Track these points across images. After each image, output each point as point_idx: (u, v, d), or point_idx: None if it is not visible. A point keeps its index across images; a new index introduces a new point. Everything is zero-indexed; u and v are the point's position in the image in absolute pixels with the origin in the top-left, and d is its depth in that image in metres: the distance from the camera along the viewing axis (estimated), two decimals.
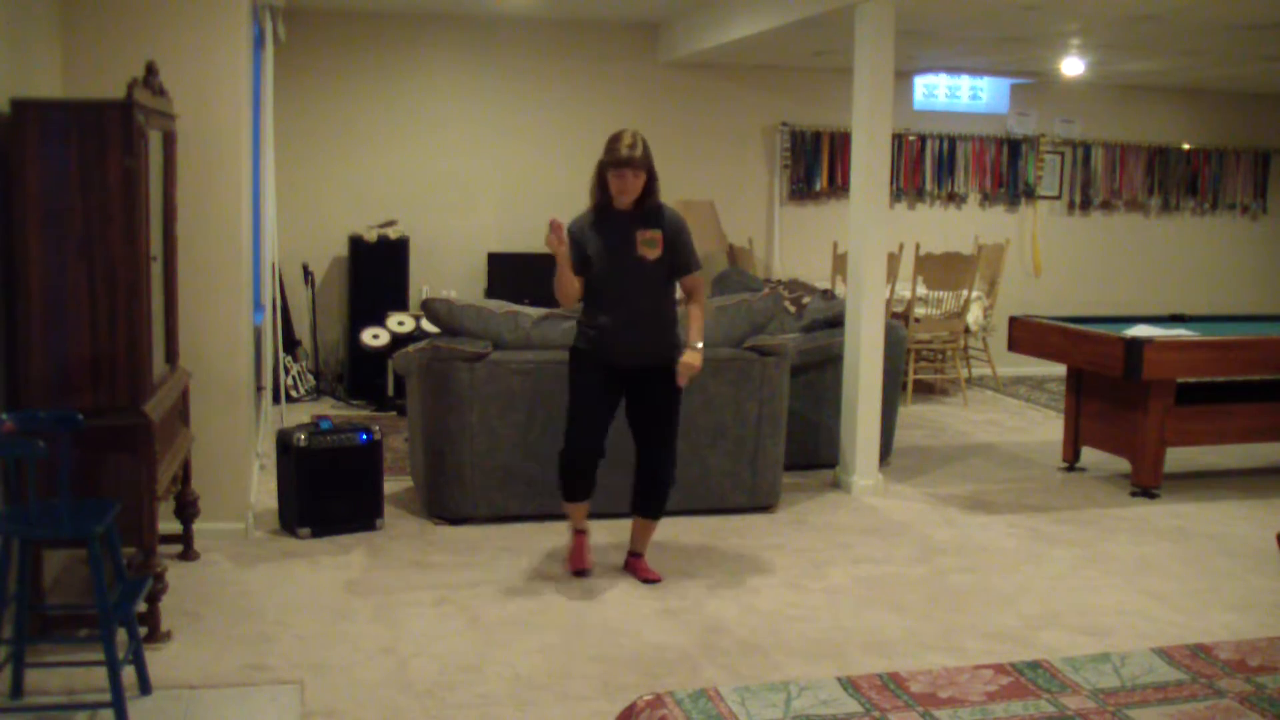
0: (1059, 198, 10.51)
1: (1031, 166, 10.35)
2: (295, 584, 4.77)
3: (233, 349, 5.18)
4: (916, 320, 8.63)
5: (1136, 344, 6.06)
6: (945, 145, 10.16)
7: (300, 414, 7.60)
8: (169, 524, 4.74)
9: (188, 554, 4.95)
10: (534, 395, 5.52)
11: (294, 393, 8.41)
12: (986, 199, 10.38)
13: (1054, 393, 9.29)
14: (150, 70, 4.35)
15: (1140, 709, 2.70)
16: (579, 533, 4.94)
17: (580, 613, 4.54)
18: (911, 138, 10.03)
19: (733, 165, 9.73)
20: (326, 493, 5.38)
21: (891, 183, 9.40)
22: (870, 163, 6.23)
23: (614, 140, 4.62)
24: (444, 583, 4.81)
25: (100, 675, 3.57)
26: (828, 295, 7.10)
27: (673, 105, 9.47)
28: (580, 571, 4.89)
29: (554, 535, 5.42)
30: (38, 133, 3.90)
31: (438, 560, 5.09)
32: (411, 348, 5.76)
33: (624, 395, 4.80)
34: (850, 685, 2.80)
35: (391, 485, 6.01)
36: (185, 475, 4.86)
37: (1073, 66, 9.06)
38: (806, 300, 7.04)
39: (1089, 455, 6.98)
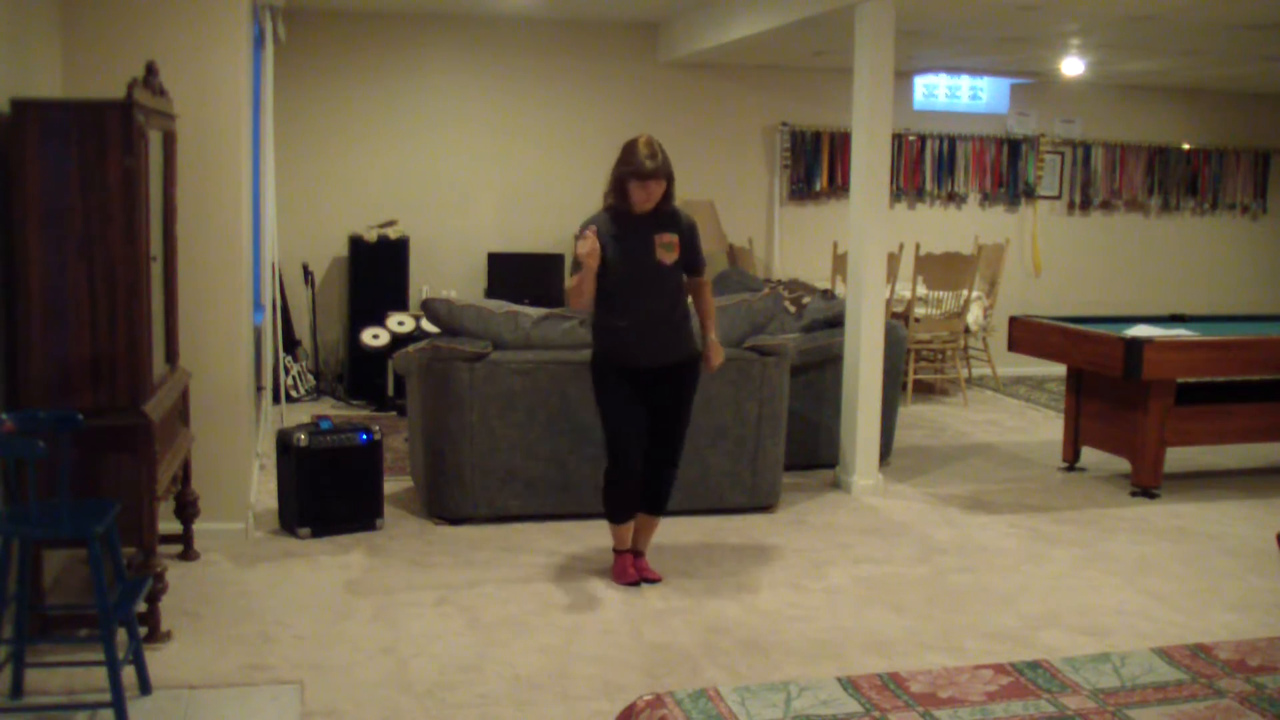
0: (1059, 198, 10.51)
1: (1031, 166, 10.36)
2: (295, 584, 4.77)
3: (233, 349, 5.18)
4: (916, 320, 8.63)
5: (1136, 344, 6.06)
6: (945, 145, 10.17)
7: (300, 414, 7.60)
8: (169, 524, 4.74)
9: (188, 554, 4.95)
10: (534, 395, 5.52)
11: (294, 393, 8.41)
12: (986, 199, 10.38)
13: (1054, 393, 9.29)
14: (150, 70, 4.35)
15: (1140, 709, 2.70)
16: (625, 552, 4.92)
17: (580, 613, 4.54)
18: (911, 138, 10.03)
19: (733, 165, 9.73)
20: (326, 493, 5.38)
21: (891, 183, 9.39)
22: (870, 163, 6.23)
23: (631, 151, 4.58)
24: (444, 583, 4.81)
25: (100, 675, 3.57)
26: (828, 295, 7.10)
27: (673, 105, 9.47)
28: (633, 582, 4.84)
29: (554, 535, 5.43)
30: (38, 133, 3.90)
31: (438, 560, 5.09)
32: (411, 348, 5.76)
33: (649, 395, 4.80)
34: (850, 685, 2.80)
35: (391, 485, 6.01)
36: (185, 475, 4.86)
37: (1073, 66, 9.06)
38: (806, 300, 7.04)
39: (1089, 455, 6.98)
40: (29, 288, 3.93)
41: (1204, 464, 7.12)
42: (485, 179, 9.26)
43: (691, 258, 4.74)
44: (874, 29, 6.17)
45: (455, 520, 5.58)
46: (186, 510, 4.93)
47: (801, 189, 9.85)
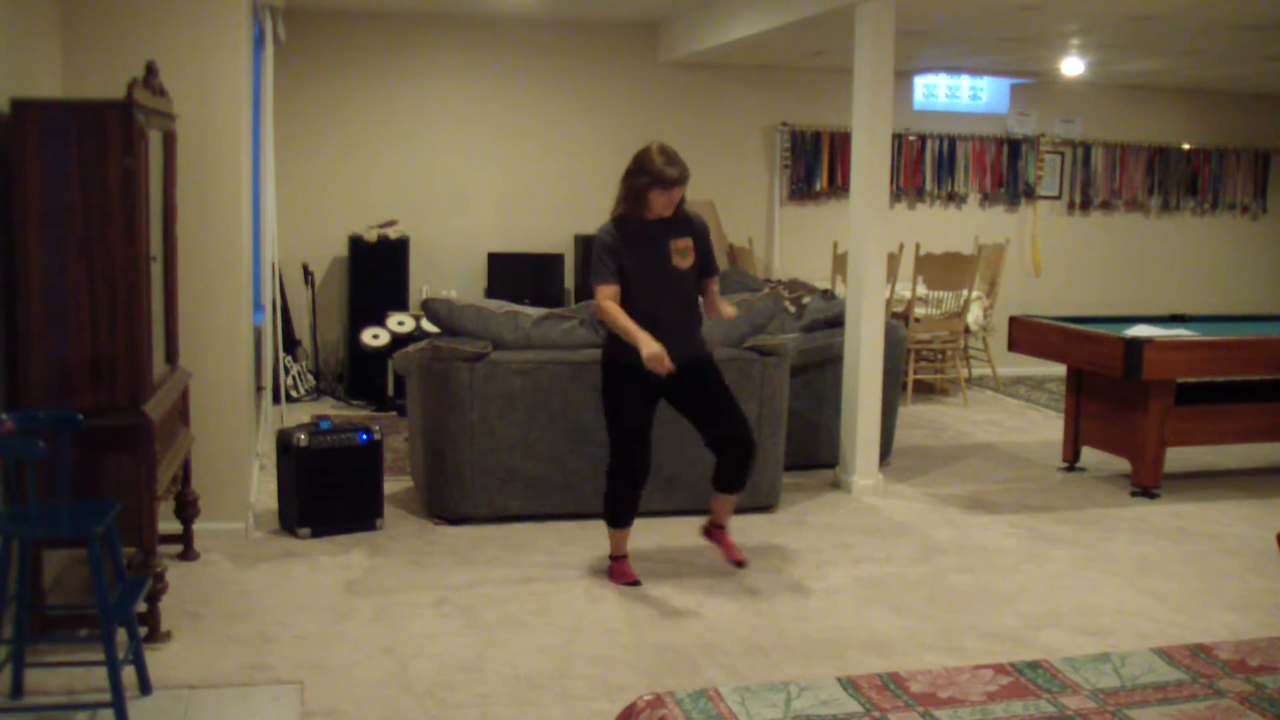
0: (1059, 198, 10.51)
1: (1031, 166, 10.35)
2: (295, 584, 4.77)
3: (233, 349, 5.18)
4: (916, 320, 8.63)
5: (1136, 344, 6.06)
6: (945, 145, 10.16)
7: (300, 414, 7.60)
8: (169, 524, 4.74)
9: (188, 554, 4.95)
10: (534, 395, 5.52)
11: (294, 393, 8.41)
12: (986, 199, 10.38)
13: (1054, 393, 9.29)
14: (150, 70, 4.35)
15: (1140, 709, 2.70)
16: (623, 558, 4.92)
17: (580, 613, 4.54)
18: (911, 138, 10.03)
19: (733, 165, 9.73)
20: (326, 493, 5.38)
21: (891, 183, 9.39)
22: (870, 163, 6.23)
23: (647, 159, 4.57)
24: (444, 583, 4.81)
25: (100, 675, 3.57)
26: (828, 295, 7.10)
27: (673, 105, 9.47)
28: (635, 582, 4.84)
29: (554, 535, 5.43)
30: (38, 133, 3.90)
31: (438, 560, 5.09)
32: (411, 348, 5.76)
33: (660, 399, 4.78)
34: (850, 685, 2.80)
35: (391, 485, 6.01)
36: (185, 475, 4.86)
37: (1073, 66, 9.06)
38: (806, 300, 7.04)
39: (1089, 455, 6.98)
40: (29, 288, 3.93)
41: (1204, 464, 7.12)
42: (485, 179, 9.26)
43: (706, 262, 4.79)
44: (874, 29, 6.17)
45: (455, 520, 5.58)
46: (186, 510, 4.93)
47: (801, 189, 9.85)
